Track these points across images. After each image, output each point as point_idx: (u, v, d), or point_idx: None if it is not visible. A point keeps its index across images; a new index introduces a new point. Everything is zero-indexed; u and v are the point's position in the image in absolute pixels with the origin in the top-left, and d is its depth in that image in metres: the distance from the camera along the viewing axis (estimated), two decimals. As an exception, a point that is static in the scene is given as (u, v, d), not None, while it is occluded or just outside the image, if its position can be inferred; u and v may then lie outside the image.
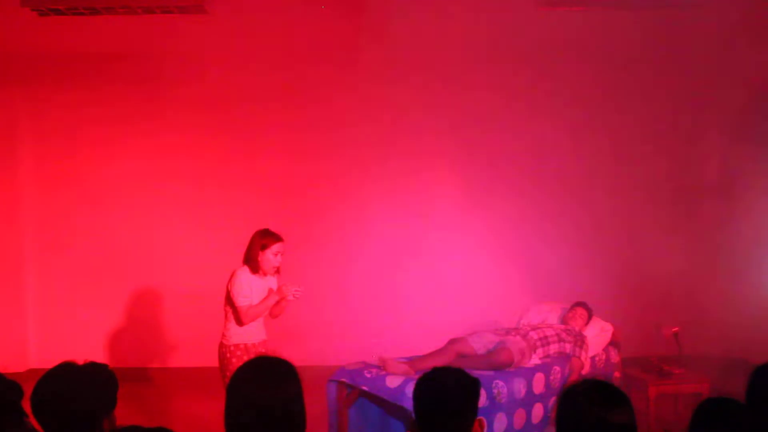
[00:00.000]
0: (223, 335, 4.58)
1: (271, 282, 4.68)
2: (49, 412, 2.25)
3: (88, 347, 7.22)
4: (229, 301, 4.55)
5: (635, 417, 2.10)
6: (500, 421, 4.65)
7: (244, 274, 4.55)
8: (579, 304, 5.86)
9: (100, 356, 7.24)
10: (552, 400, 5.01)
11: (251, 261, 4.58)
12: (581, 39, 6.93)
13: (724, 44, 6.91)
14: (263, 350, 4.58)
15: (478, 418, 2.51)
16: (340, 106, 7.34)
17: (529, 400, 4.89)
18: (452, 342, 5.19)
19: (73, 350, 7.37)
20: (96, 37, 6.63)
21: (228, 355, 4.53)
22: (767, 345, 6.01)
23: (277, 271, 4.71)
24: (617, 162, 7.43)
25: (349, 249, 7.39)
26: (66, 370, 2.34)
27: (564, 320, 5.76)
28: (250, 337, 4.57)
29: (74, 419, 2.22)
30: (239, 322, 4.51)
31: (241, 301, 4.50)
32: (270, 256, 4.58)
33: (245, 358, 4.36)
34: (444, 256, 7.44)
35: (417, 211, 7.46)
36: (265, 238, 4.58)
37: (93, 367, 2.36)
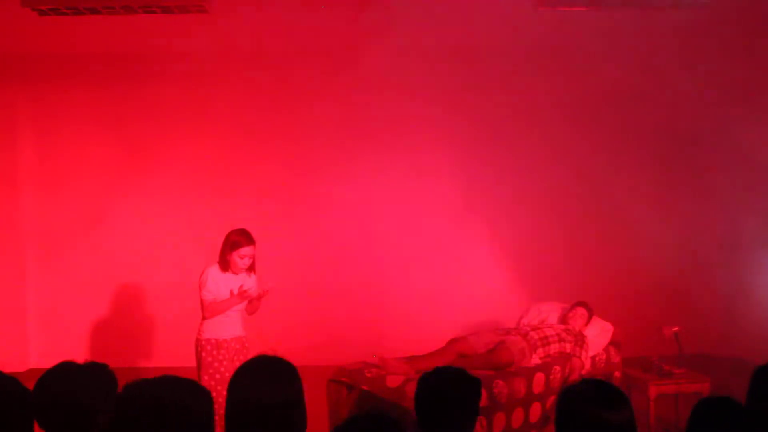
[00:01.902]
0: (198, 330, 4.69)
1: (247, 280, 4.74)
2: (49, 411, 2.25)
3: (89, 347, 7.24)
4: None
5: (635, 417, 2.10)
6: (499, 420, 4.66)
7: (213, 270, 4.67)
8: (579, 303, 5.86)
9: (100, 356, 7.24)
10: (551, 400, 5.01)
11: (221, 259, 4.68)
12: (581, 39, 6.93)
13: (726, 44, 6.90)
14: (237, 346, 4.70)
15: (479, 417, 2.51)
16: (341, 105, 7.35)
17: (528, 399, 4.89)
18: (452, 342, 5.19)
19: (74, 350, 7.40)
20: (96, 37, 6.62)
21: (199, 348, 4.66)
22: (767, 345, 6.03)
23: (251, 269, 4.77)
24: (618, 161, 7.44)
25: (349, 249, 7.39)
26: (66, 369, 2.35)
27: (564, 320, 5.76)
28: (222, 333, 4.65)
29: (75, 418, 2.22)
30: (203, 316, 4.65)
31: (204, 295, 4.63)
32: (236, 258, 4.64)
33: (215, 353, 4.60)
34: (444, 256, 7.45)
35: (417, 210, 7.46)
36: (237, 237, 4.65)
37: (93, 367, 2.37)
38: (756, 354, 4.18)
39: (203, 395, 1.93)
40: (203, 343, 4.63)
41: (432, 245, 7.46)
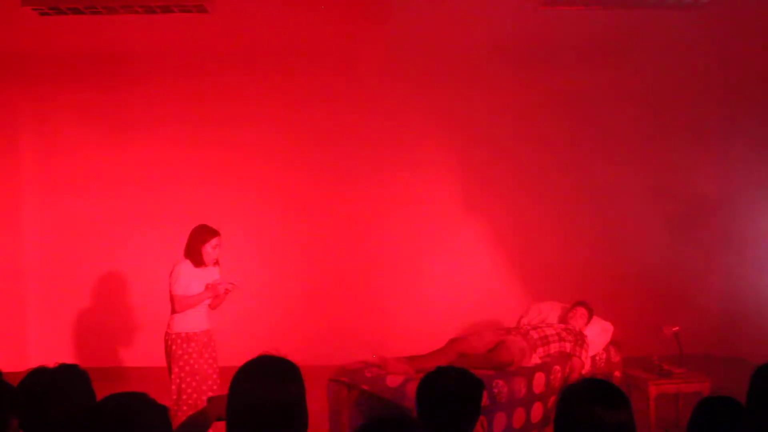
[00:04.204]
0: (168, 325, 4.86)
1: (214, 273, 4.97)
2: (33, 418, 2.25)
3: (88, 346, 7.24)
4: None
5: (634, 416, 2.10)
6: (500, 420, 4.65)
7: (186, 266, 4.87)
8: (580, 303, 5.86)
9: (99, 356, 7.25)
10: (552, 400, 5.02)
11: (193, 255, 4.87)
12: (581, 38, 6.93)
13: (727, 44, 6.91)
14: (205, 339, 4.87)
15: (480, 417, 2.51)
16: (341, 106, 7.35)
17: (529, 399, 4.89)
18: (453, 341, 5.19)
19: (73, 350, 7.41)
20: (96, 37, 6.62)
21: (170, 342, 4.81)
22: (767, 345, 6.02)
23: (217, 262, 5.00)
24: (617, 161, 7.43)
25: (349, 249, 7.39)
26: (39, 375, 2.35)
27: (565, 319, 5.76)
28: (192, 326, 4.84)
29: (54, 421, 2.22)
30: (174, 310, 4.82)
31: (176, 289, 4.81)
32: (209, 249, 4.87)
33: (185, 346, 4.77)
34: (444, 256, 7.44)
35: (417, 210, 7.46)
36: (204, 233, 4.90)
37: (65, 369, 2.37)
38: (756, 354, 4.18)
39: (160, 413, 1.96)
40: (174, 336, 4.80)
41: (432, 245, 7.45)
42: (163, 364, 6.65)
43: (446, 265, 7.41)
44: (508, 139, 7.39)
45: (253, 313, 6.98)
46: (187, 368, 4.75)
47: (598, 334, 5.74)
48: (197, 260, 4.85)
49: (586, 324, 5.74)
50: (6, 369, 2.55)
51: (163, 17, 5.70)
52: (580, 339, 5.44)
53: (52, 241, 7.41)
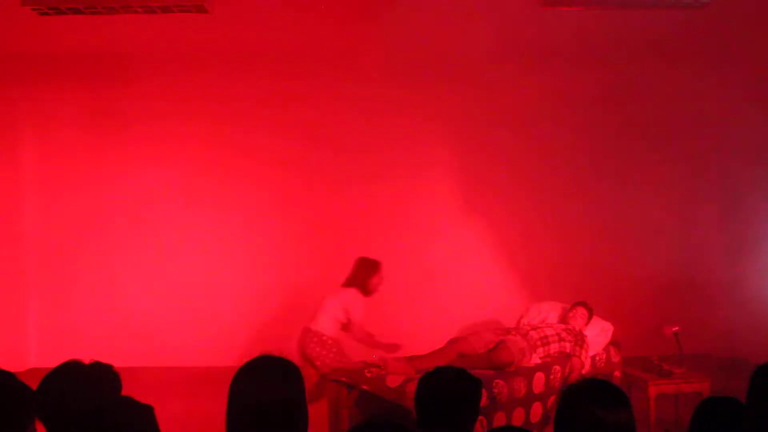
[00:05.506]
0: (325, 327, 5.20)
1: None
2: (55, 410, 2.24)
3: (88, 346, 7.22)
4: (344, 311, 5.22)
5: (634, 417, 2.10)
6: (499, 420, 4.65)
7: (360, 296, 5.29)
8: (579, 303, 5.86)
9: (98, 356, 7.24)
10: (551, 400, 5.01)
11: (364, 286, 5.31)
12: (581, 38, 6.93)
13: (726, 44, 6.91)
14: None
15: (479, 417, 2.51)
16: (340, 106, 7.35)
17: (529, 399, 4.89)
18: (452, 342, 5.18)
19: (73, 349, 7.37)
20: (96, 37, 6.62)
21: (334, 347, 5.18)
22: (767, 345, 6.02)
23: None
24: (618, 161, 7.44)
25: (350, 249, 7.37)
26: (72, 368, 2.34)
27: (564, 320, 5.76)
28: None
29: (79, 418, 2.21)
30: (345, 329, 5.24)
31: (358, 317, 5.22)
32: (377, 280, 5.36)
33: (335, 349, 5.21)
34: (444, 257, 7.45)
35: (417, 211, 7.46)
36: (373, 266, 5.37)
37: (98, 367, 2.36)
38: (756, 354, 4.17)
39: (146, 413, 1.99)
40: (335, 341, 5.22)
41: (432, 246, 7.45)
42: (159, 364, 6.83)
43: (446, 266, 7.42)
44: (508, 139, 7.40)
45: (252, 313, 6.98)
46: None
47: (598, 334, 5.74)
48: (366, 290, 5.27)
49: (586, 324, 5.73)
50: (6, 368, 2.54)
51: (163, 17, 5.69)
52: (580, 339, 5.43)
53: (52, 240, 7.42)
